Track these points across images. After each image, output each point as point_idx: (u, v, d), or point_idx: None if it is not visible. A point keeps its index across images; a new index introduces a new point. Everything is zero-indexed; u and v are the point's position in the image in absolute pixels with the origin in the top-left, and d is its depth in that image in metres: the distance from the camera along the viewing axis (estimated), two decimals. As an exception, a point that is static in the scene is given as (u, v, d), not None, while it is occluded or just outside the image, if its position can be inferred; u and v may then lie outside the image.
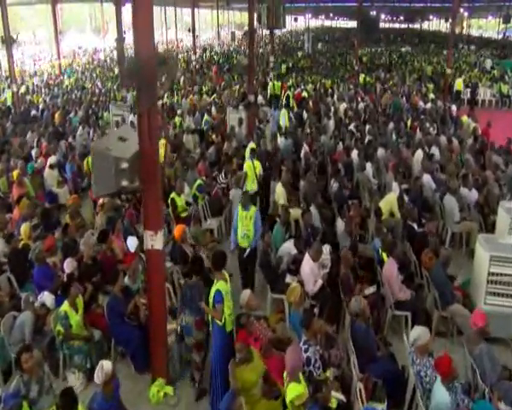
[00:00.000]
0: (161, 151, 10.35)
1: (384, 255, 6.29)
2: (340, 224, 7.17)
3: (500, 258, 5.61)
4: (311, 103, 17.24)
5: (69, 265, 5.85)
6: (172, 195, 8.25)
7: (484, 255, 5.70)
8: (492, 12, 48.00)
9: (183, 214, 8.16)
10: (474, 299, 5.95)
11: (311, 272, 5.98)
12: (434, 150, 11.08)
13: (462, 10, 38.98)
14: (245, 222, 6.60)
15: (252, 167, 9.05)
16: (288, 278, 6.28)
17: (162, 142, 10.48)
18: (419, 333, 4.32)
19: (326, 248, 6.45)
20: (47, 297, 5.37)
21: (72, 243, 6.72)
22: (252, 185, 8.95)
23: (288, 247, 6.77)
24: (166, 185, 9.29)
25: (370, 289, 5.85)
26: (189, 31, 26.95)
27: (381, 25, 69.18)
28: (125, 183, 4.25)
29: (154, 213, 4.85)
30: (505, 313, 5.70)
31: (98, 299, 5.93)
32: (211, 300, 4.79)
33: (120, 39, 15.72)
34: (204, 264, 5.71)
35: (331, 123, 13.99)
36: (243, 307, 5.01)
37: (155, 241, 4.86)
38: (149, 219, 4.84)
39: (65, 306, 5.28)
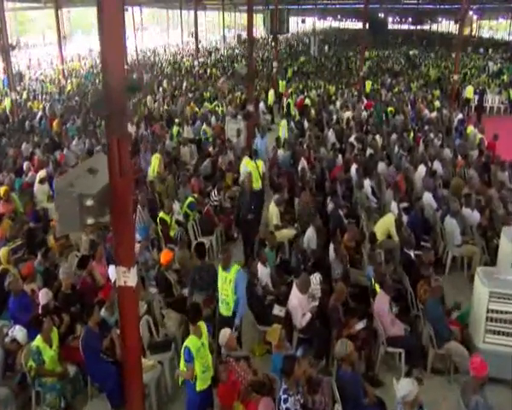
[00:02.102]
0: (154, 166, 10.11)
1: (377, 286, 5.95)
2: (332, 249, 6.83)
3: (500, 294, 5.25)
4: (313, 112, 16.88)
5: (44, 296, 5.60)
6: (161, 214, 7.98)
7: (483, 291, 5.34)
8: (503, 14, 47.20)
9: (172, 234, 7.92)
10: (473, 336, 5.58)
11: (299, 305, 5.66)
12: (437, 165, 10.69)
13: (471, 13, 38.41)
14: (224, 286, 5.58)
15: (255, 167, 9.52)
16: (276, 310, 5.97)
17: (156, 155, 10.21)
18: (407, 389, 3.98)
19: (316, 278, 6.12)
20: (18, 332, 5.13)
21: (53, 269, 6.47)
22: (256, 184, 9.30)
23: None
24: (157, 202, 9.05)
25: (360, 324, 5.51)
26: (192, 35, 26.68)
27: (390, 26, 68.66)
28: (90, 221, 3.98)
29: (127, 248, 4.55)
30: (505, 353, 5.34)
31: (76, 330, 5.67)
32: (182, 355, 4.55)
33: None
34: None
35: (330, 133, 13.61)
36: (222, 348, 4.72)
37: (128, 277, 4.57)
38: (121, 254, 4.55)
39: (38, 340, 5.04)
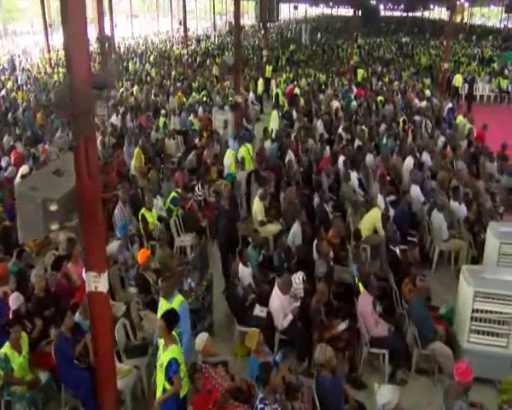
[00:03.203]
0: (134, 161, 9.86)
1: (360, 286, 5.80)
2: (316, 246, 6.67)
3: (485, 294, 5.13)
4: (302, 101, 16.61)
5: (15, 300, 5.39)
6: (142, 210, 7.77)
7: (467, 291, 5.21)
8: (494, 1, 46.89)
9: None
10: (458, 336, 5.48)
11: (280, 306, 5.52)
12: (426, 157, 10.55)
13: (462, 0, 38.15)
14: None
15: (247, 150, 10.31)
16: (257, 310, 5.83)
17: (136, 150, 9.94)
18: (388, 397, 3.84)
19: (299, 277, 5.97)
20: (-13, 339, 4.93)
21: (28, 270, 6.25)
22: (249, 166, 10.17)
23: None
24: (140, 198, 8.82)
25: (343, 325, 5.37)
26: (180, 23, 26.15)
27: (382, 13, 68.04)
28: (55, 226, 3.77)
29: (97, 253, 4.36)
30: (489, 353, 5.24)
31: (50, 334, 5.48)
32: (164, 372, 4.20)
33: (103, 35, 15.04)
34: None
35: (319, 124, 13.39)
36: (199, 354, 4.57)
37: (99, 283, 4.39)
38: (92, 259, 4.36)
39: (6, 347, 4.85)
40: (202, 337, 4.56)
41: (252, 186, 10.39)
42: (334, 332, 5.34)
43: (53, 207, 3.70)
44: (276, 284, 5.61)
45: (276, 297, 5.53)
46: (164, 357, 4.21)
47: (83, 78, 3.92)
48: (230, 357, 5.68)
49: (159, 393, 4.32)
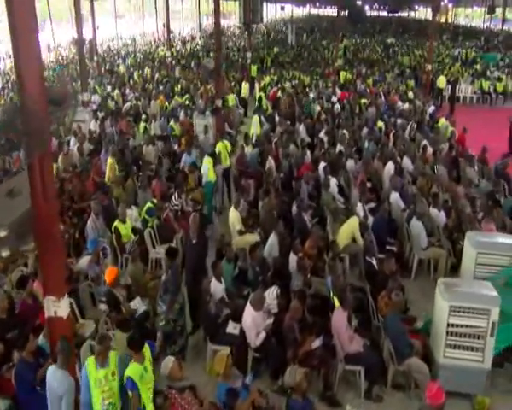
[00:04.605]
0: (108, 172, 9.61)
1: (335, 300, 5.67)
2: (292, 258, 6.53)
3: (460, 308, 5.03)
4: (286, 104, 16.43)
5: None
6: (116, 223, 7.56)
7: (443, 305, 5.11)
8: (477, 3, 47.32)
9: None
10: (434, 351, 5.38)
11: (253, 323, 5.36)
12: (406, 161, 10.48)
13: (446, 1, 38.40)
14: (104, 387, 4.23)
15: (223, 146, 10.83)
16: (230, 327, 5.67)
17: (110, 161, 9.68)
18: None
19: (273, 292, 5.82)
20: None
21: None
22: (225, 161, 10.66)
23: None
24: (115, 208, 8.59)
25: (317, 342, 5.24)
26: (164, 26, 25.85)
27: (368, 14, 68.19)
28: (5, 253, 3.58)
29: (56, 276, 4.18)
30: (465, 367, 5.15)
31: (13, 359, 5.24)
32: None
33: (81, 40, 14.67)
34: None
35: (301, 128, 13.26)
36: (165, 379, 4.39)
37: (59, 307, 4.21)
38: (50, 283, 4.17)
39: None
40: (168, 362, 4.38)
41: (231, 184, 10.70)
42: (308, 349, 5.20)
43: (2, 234, 3.50)
44: (248, 302, 5.45)
45: (249, 314, 5.38)
46: (127, 370, 4.28)
47: (34, 94, 3.73)
48: (204, 377, 5.53)
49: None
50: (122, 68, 26.79)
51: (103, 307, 6.20)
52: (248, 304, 5.43)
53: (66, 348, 4.27)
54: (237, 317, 5.71)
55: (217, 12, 13.55)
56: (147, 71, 24.73)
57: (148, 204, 8.34)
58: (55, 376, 4.36)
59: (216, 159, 10.08)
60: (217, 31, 13.59)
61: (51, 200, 4.00)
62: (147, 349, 4.55)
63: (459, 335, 5.11)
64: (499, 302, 4.98)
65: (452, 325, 5.10)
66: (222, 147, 10.79)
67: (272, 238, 7.12)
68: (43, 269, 4.22)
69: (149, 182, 9.25)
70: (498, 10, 39.16)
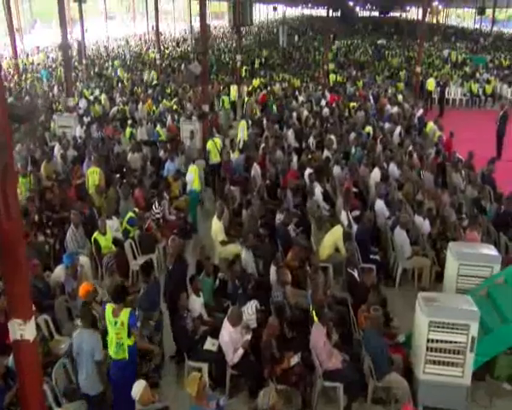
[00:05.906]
0: (92, 179, 9.44)
1: (314, 314, 5.57)
2: (273, 271, 6.43)
3: (439, 324, 4.96)
4: (274, 108, 16.32)
5: None
6: (95, 234, 7.42)
7: (423, 320, 5.03)
8: (468, 4, 47.51)
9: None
10: (414, 367, 5.30)
11: (230, 340, 5.25)
12: (392, 167, 10.41)
13: (437, 2, 38.49)
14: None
15: (213, 144, 11.12)
16: (208, 344, 5.55)
17: (96, 169, 9.50)
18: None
19: (252, 307, 5.72)
20: None
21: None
22: (214, 158, 11.04)
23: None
24: (96, 218, 8.44)
25: (295, 359, 5.14)
26: (153, 28, 25.59)
27: (360, 14, 68.45)
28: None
29: (21, 299, 4.04)
30: (445, 383, 5.08)
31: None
32: (126, 328, 4.91)
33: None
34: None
35: (290, 133, 13.14)
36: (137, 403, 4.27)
37: (25, 331, 4.06)
38: (15, 306, 4.03)
39: None
40: (139, 386, 4.27)
41: (220, 183, 10.64)
42: (286, 366, 5.11)
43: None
44: (226, 318, 5.34)
45: (226, 330, 5.27)
46: (122, 316, 4.80)
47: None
48: (183, 393, 5.42)
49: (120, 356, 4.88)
50: (111, 71, 26.58)
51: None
52: (226, 320, 5.32)
53: (86, 312, 5.09)
54: (216, 333, 5.60)
55: (203, 16, 13.41)
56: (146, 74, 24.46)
57: (130, 214, 8.19)
58: (82, 337, 4.86)
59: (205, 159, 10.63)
60: (203, 35, 13.43)
61: (15, 220, 3.87)
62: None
63: (439, 350, 5.04)
64: (478, 317, 4.91)
65: (432, 341, 5.03)
66: (211, 145, 11.10)
67: (244, 254, 6.88)
68: (7, 291, 4.07)
69: (132, 190, 9.10)
70: (489, 11, 39.39)
